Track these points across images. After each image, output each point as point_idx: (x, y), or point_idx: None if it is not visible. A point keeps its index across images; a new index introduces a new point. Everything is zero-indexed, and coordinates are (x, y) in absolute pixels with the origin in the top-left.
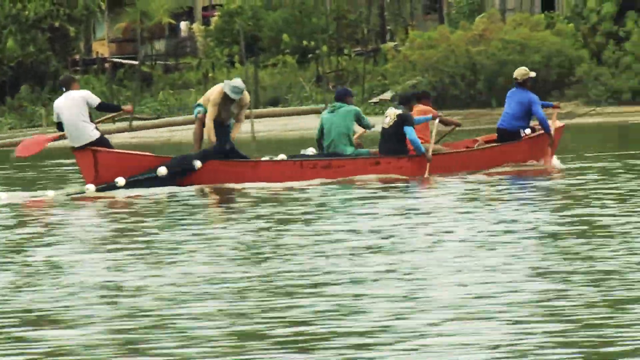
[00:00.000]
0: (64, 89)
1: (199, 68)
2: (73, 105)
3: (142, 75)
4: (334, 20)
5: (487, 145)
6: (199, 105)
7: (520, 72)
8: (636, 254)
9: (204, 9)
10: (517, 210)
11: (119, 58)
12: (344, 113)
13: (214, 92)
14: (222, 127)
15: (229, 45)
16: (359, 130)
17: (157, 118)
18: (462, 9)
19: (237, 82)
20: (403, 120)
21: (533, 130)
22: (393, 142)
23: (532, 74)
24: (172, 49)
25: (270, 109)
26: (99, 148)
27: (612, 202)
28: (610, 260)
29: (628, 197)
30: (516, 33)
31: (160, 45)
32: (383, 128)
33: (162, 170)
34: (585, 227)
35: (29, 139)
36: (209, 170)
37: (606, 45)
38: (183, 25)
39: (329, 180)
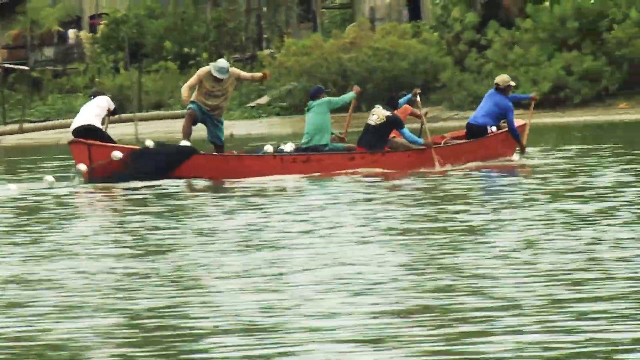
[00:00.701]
0: (92, 97)
1: (86, 73)
2: (94, 105)
3: (32, 80)
4: (214, 29)
5: (457, 142)
6: (192, 102)
7: (503, 79)
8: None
9: (91, 17)
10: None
11: (10, 64)
12: (316, 107)
13: (201, 70)
14: (211, 119)
15: (115, 51)
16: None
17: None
18: (335, 18)
19: (222, 62)
20: (393, 123)
21: (499, 128)
22: (375, 138)
23: (513, 84)
24: (60, 55)
25: (154, 112)
26: (94, 142)
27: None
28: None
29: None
30: (385, 41)
31: (49, 52)
32: (369, 124)
33: (117, 154)
34: (440, 225)
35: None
36: (194, 164)
37: (469, 53)
38: (71, 32)
39: (307, 175)
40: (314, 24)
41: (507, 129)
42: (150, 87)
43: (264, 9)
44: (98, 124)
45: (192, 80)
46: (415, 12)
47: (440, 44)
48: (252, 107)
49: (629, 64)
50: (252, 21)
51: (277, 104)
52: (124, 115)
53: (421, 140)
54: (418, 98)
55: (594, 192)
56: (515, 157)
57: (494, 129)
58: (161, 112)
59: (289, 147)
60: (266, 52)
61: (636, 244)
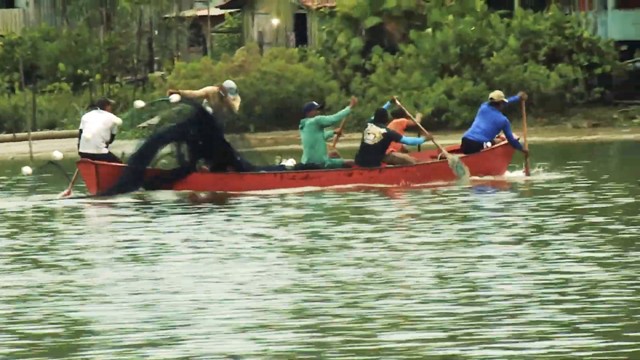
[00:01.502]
0: (99, 108)
1: None
2: (100, 121)
3: None
4: (106, 51)
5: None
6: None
7: (497, 94)
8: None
9: None
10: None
11: None
12: (308, 127)
13: (209, 88)
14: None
15: (10, 72)
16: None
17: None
18: (224, 42)
19: (231, 83)
20: (392, 137)
21: (493, 144)
22: (374, 156)
23: (505, 100)
24: None
25: (48, 132)
26: (101, 162)
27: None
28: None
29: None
30: (272, 65)
31: None
32: (366, 144)
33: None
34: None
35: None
36: (201, 179)
37: (354, 77)
38: None
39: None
40: (203, 47)
41: (501, 144)
42: (45, 107)
43: (156, 32)
44: (103, 147)
45: (198, 92)
46: (302, 37)
47: (326, 68)
48: (144, 127)
49: (507, 89)
50: (143, 44)
51: (167, 124)
52: (18, 135)
53: (422, 140)
54: (398, 102)
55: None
56: (510, 173)
57: (488, 144)
58: (55, 131)
59: (290, 162)
60: (157, 74)
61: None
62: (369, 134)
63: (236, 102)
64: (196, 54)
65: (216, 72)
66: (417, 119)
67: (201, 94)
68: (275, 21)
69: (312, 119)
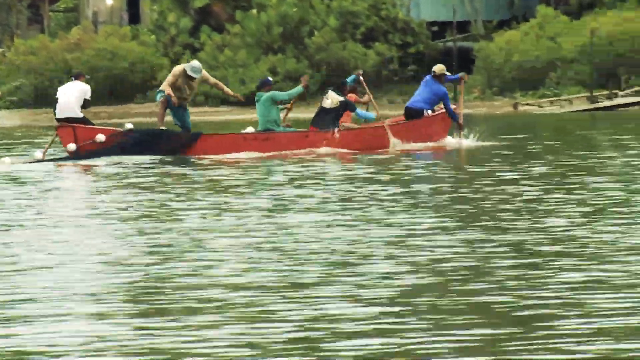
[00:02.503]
0: (73, 79)
1: None
2: (75, 89)
3: None
4: None
5: (397, 123)
6: (160, 91)
7: (439, 67)
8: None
9: None
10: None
11: None
12: (263, 101)
13: (175, 69)
14: (179, 107)
15: None
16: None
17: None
18: (61, 21)
19: (195, 63)
20: (347, 106)
21: (433, 111)
22: (328, 120)
23: (447, 73)
24: None
25: None
26: (78, 125)
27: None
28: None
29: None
30: (107, 43)
31: None
32: (323, 107)
33: (72, 147)
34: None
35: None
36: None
37: (183, 55)
38: None
39: (267, 154)
40: (41, 25)
41: (441, 111)
42: None
43: None
44: (79, 112)
45: (170, 79)
46: (134, 16)
47: (157, 46)
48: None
49: (327, 67)
50: None
51: (7, 98)
52: None
53: (373, 115)
54: (361, 78)
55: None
56: (451, 138)
57: (429, 112)
58: None
59: (249, 129)
60: None
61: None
62: (327, 99)
63: (210, 79)
64: (35, 32)
65: (53, 49)
66: (368, 97)
67: (171, 80)
68: (109, 1)
69: (267, 94)
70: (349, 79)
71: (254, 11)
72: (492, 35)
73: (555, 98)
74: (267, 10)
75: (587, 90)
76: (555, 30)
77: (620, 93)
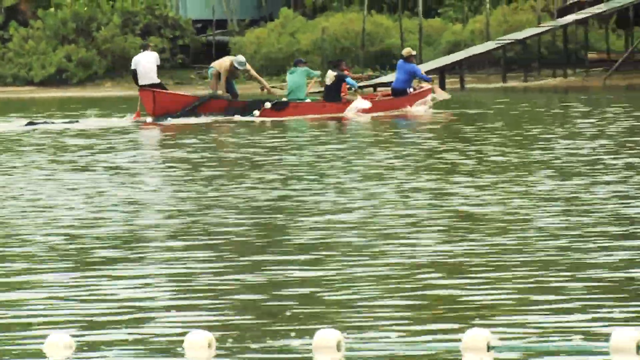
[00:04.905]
0: (142, 50)
1: None
2: (148, 60)
3: None
4: None
5: (388, 98)
6: (211, 67)
7: (406, 51)
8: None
9: None
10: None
11: None
12: (299, 73)
13: (224, 63)
14: (229, 83)
15: None
16: (311, 82)
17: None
18: None
19: (241, 58)
20: (340, 78)
21: (414, 89)
22: (332, 93)
23: (414, 53)
24: None
25: None
26: (157, 89)
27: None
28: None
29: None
30: None
31: None
32: (326, 84)
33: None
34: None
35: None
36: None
37: None
38: None
39: (292, 117)
40: None
41: (420, 91)
42: None
43: None
44: (156, 78)
45: (223, 76)
46: None
47: None
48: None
49: (112, 55)
50: None
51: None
52: None
53: (356, 85)
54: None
55: None
56: (420, 108)
57: (411, 90)
58: None
59: (267, 104)
60: None
61: None
62: (327, 77)
63: (252, 72)
64: None
65: None
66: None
67: (225, 71)
68: None
69: (302, 68)
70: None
71: (52, 9)
72: (245, 31)
73: None
74: (63, 8)
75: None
76: (294, 28)
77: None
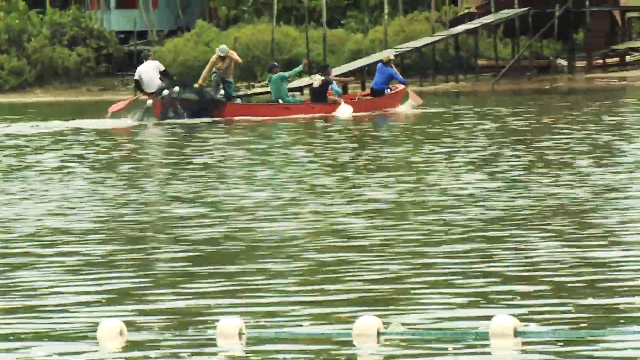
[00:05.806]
0: (144, 60)
1: None
2: (151, 68)
3: None
4: None
5: (368, 98)
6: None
7: (385, 55)
8: None
9: None
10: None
11: None
12: (274, 80)
13: (212, 58)
14: (224, 82)
15: None
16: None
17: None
18: None
19: (223, 46)
20: (327, 82)
21: (390, 90)
22: (319, 95)
23: (392, 57)
24: None
25: None
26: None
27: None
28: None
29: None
30: None
31: None
32: (313, 87)
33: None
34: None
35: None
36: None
37: None
38: None
39: (285, 117)
40: None
41: (395, 91)
42: None
43: None
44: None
45: (208, 68)
46: None
47: None
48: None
49: (41, 64)
50: None
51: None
52: None
53: (339, 91)
54: (304, 67)
55: None
56: (403, 107)
57: (388, 90)
58: None
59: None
60: None
61: None
62: (314, 80)
63: (234, 55)
64: None
65: None
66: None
67: (210, 67)
68: None
69: (276, 75)
70: (297, 68)
71: None
72: (164, 41)
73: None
74: None
75: None
76: (209, 38)
77: (256, 85)
